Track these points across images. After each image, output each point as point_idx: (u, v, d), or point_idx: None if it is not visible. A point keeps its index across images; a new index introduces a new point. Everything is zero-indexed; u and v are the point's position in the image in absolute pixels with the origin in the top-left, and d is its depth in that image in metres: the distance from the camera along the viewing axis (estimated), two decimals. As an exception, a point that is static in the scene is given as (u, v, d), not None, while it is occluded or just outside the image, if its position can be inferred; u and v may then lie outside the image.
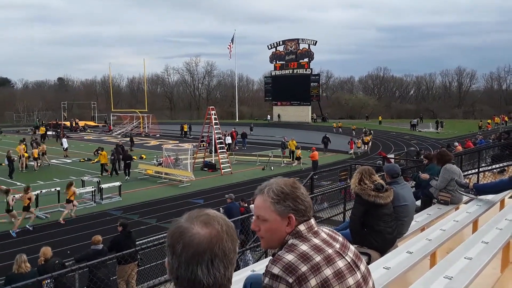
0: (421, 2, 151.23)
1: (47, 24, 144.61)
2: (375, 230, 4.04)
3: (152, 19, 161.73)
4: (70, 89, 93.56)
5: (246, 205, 12.95)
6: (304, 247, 1.53)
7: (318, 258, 1.50)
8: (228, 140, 32.99)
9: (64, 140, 31.59)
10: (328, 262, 1.51)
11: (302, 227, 1.60)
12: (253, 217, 1.74)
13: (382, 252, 4.02)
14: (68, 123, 55.39)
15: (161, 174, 23.01)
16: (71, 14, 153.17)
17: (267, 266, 1.55)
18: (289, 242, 1.57)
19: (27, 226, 14.00)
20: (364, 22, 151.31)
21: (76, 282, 6.86)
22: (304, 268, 1.47)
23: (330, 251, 1.55)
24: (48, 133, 40.88)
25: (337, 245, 1.59)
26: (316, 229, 1.62)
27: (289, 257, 1.51)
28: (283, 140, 30.70)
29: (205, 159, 26.40)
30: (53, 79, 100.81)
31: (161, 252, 9.22)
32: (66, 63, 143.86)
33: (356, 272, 1.57)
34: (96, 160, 28.16)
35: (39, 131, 43.21)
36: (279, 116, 67.01)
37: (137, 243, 9.55)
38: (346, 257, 1.57)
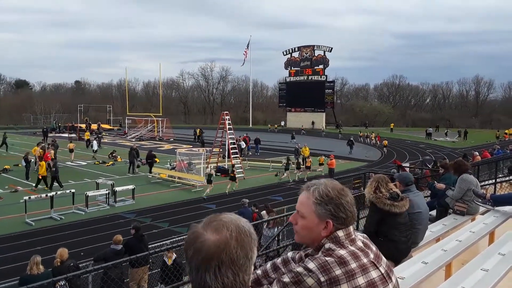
0: (436, 10, 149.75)
1: (64, 28, 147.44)
2: (390, 239, 3.99)
3: (167, 24, 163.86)
4: (86, 92, 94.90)
5: (258, 210, 12.94)
6: (341, 252, 1.53)
7: (353, 265, 1.50)
8: (242, 144, 33.04)
9: (95, 143, 31.46)
10: (362, 271, 1.51)
11: (340, 233, 1.59)
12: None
13: (397, 261, 3.97)
14: (84, 126, 56.11)
15: (174, 178, 23.13)
16: (88, 18, 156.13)
17: (303, 262, 1.56)
18: (326, 246, 1.57)
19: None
20: (378, 29, 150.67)
21: (89, 284, 6.92)
22: (338, 271, 1.47)
23: (365, 260, 1.54)
24: (90, 139, 36.95)
25: (372, 255, 1.58)
26: (353, 236, 1.62)
27: (327, 258, 1.51)
28: (296, 146, 30.60)
29: (218, 164, 26.46)
30: (70, 82, 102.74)
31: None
32: (82, 66, 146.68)
33: (388, 284, 1.56)
34: (110, 162, 28.53)
35: (48, 132, 43.37)
36: (294, 133, 66.90)
37: (149, 246, 9.60)
38: (380, 268, 1.56)
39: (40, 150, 25.41)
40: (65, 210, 16.04)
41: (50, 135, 47.04)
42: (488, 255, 3.72)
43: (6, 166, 24.92)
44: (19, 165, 24.83)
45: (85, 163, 28.29)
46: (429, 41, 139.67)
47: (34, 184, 20.42)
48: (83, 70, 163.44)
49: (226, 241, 1.15)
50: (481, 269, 3.34)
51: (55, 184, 20.04)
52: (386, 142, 35.06)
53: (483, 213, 6.08)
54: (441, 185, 6.55)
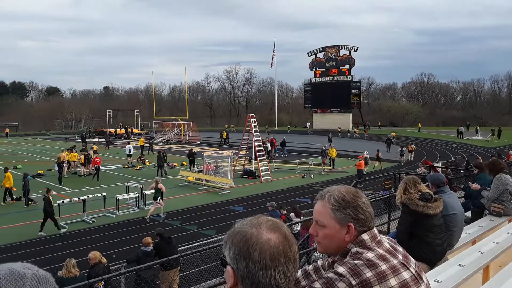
0: (458, 5, 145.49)
1: (88, 35, 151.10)
2: (424, 241, 3.90)
3: (189, 29, 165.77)
4: (115, 97, 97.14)
5: (286, 212, 12.90)
6: (369, 255, 1.52)
7: (384, 267, 1.48)
8: (268, 147, 33.03)
9: (129, 147, 31.76)
10: (393, 272, 1.49)
11: (365, 236, 1.58)
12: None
13: (432, 264, 3.88)
14: (113, 130, 57.45)
15: (202, 181, 23.32)
16: (110, 25, 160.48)
17: (332, 267, 1.56)
18: (353, 250, 1.56)
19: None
20: (400, 26, 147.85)
21: (122, 284, 7.05)
22: (369, 274, 1.45)
23: (394, 261, 1.52)
24: (145, 145, 36.89)
25: (400, 256, 1.57)
26: (379, 238, 1.60)
27: (355, 261, 1.50)
28: (323, 148, 30.38)
29: (245, 166, 26.54)
30: (99, 88, 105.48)
31: (201, 259, 9.33)
32: (110, 72, 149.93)
33: (421, 284, 1.53)
34: (139, 166, 29.03)
35: (86, 138, 44.60)
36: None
37: (178, 249, 9.70)
38: (410, 269, 1.54)
39: (79, 155, 26.41)
40: (97, 213, 16.41)
41: (80, 140, 48.37)
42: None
43: (40, 171, 25.74)
44: (52, 169, 25.59)
45: (115, 167, 28.90)
46: (454, 37, 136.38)
47: (67, 188, 20.98)
48: (110, 75, 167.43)
49: (288, 239, 1.19)
50: (521, 272, 3.22)
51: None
52: (413, 146, 34.43)
53: (520, 214, 5.87)
54: (476, 186, 6.37)
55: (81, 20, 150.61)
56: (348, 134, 56.67)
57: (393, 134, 47.05)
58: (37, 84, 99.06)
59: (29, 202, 18.22)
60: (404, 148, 32.15)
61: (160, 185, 16.32)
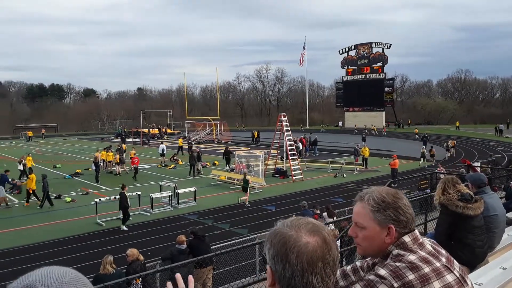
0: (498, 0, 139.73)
1: (121, 38, 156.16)
2: (464, 243, 3.78)
3: (220, 29, 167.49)
4: (148, 98, 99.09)
5: (319, 212, 12.81)
6: (412, 257, 1.49)
7: (427, 269, 1.45)
8: (299, 146, 32.89)
9: (163, 146, 31.95)
10: (437, 275, 1.45)
11: (407, 239, 1.55)
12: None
13: (472, 267, 3.75)
14: (146, 130, 58.63)
15: (234, 180, 23.47)
16: (144, 27, 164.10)
17: (372, 269, 1.55)
18: (394, 252, 1.53)
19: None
20: (436, 22, 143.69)
21: (157, 281, 7.20)
22: (411, 276, 1.42)
23: (438, 264, 1.49)
24: (184, 147, 36.94)
25: (443, 259, 1.53)
26: (421, 240, 1.57)
27: (397, 263, 1.47)
28: (356, 147, 29.97)
29: (277, 165, 26.53)
30: (133, 89, 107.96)
31: (234, 257, 9.41)
32: (143, 73, 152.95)
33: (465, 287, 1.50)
34: (172, 165, 29.54)
35: (125, 138, 45.76)
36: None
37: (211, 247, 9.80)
38: (454, 272, 1.50)
39: (114, 155, 27.21)
40: (132, 211, 16.77)
41: (115, 140, 49.69)
42: None
43: (78, 170, 26.61)
44: (89, 169, 26.40)
45: (148, 166, 29.51)
46: (492, 33, 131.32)
47: (104, 187, 21.59)
48: (143, 77, 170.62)
49: (327, 243, 1.17)
50: None
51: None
52: (454, 142, 34.01)
53: None
54: (518, 186, 6.13)
55: (115, 23, 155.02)
56: (365, 131, 55.82)
57: (416, 130, 49.68)
58: (74, 86, 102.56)
59: (42, 201, 18.27)
60: (449, 142, 33.49)
61: (248, 177, 18.64)
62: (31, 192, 18.76)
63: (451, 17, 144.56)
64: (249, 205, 18.23)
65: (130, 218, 15.55)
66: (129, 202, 15.24)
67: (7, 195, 19.48)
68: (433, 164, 27.81)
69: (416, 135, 47.41)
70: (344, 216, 11.32)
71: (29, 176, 19.13)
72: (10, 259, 12.08)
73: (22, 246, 13.25)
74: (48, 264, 0.95)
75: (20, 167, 24.19)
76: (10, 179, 20.17)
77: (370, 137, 45.90)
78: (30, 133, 58.50)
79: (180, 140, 40.02)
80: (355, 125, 59.94)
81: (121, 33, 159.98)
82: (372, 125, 57.10)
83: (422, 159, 29.18)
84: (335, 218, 11.95)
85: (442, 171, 14.97)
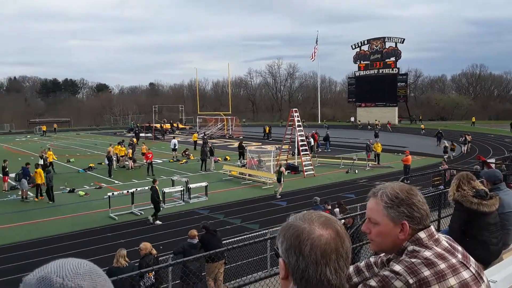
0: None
1: (132, 34, 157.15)
2: (478, 240, 3.73)
3: (232, 24, 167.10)
4: (160, 93, 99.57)
5: (330, 207, 12.77)
6: (427, 253, 1.48)
7: (442, 266, 1.44)
8: (311, 142, 32.80)
9: (175, 141, 31.97)
10: (453, 271, 1.44)
11: (422, 235, 1.53)
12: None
13: (486, 264, 3.71)
14: (158, 125, 58.94)
15: (245, 175, 23.51)
16: (155, 23, 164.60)
17: (387, 265, 1.55)
18: (409, 248, 1.52)
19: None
20: (451, 16, 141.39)
21: (169, 274, 7.26)
22: (427, 273, 1.42)
23: (454, 260, 1.48)
24: (198, 142, 36.89)
25: (459, 255, 1.52)
26: (436, 236, 1.56)
27: (412, 259, 1.46)
28: (368, 143, 29.77)
29: (288, 161, 26.49)
30: (145, 84, 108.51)
31: (246, 252, 9.44)
32: (155, 69, 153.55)
33: (481, 284, 1.48)
34: (184, 160, 29.69)
35: (140, 133, 45.90)
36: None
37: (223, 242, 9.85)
38: (470, 268, 1.49)
39: (126, 149, 27.51)
40: (144, 205, 16.91)
41: (128, 135, 50.05)
42: None
43: (91, 164, 26.90)
44: (102, 163, 26.67)
45: (161, 161, 29.70)
46: (507, 27, 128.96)
47: (117, 181, 21.78)
48: (155, 72, 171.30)
49: (340, 235, 1.17)
50: None
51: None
52: (470, 137, 33.89)
53: None
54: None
55: (127, 19, 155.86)
56: (369, 127, 55.35)
57: (422, 126, 50.56)
58: (87, 81, 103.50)
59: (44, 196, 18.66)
60: (466, 136, 33.69)
61: (282, 169, 19.64)
62: (44, 186, 18.84)
63: (466, 10, 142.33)
64: (280, 196, 19.02)
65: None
66: (160, 197, 15.54)
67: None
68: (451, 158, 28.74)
69: (423, 131, 48.06)
70: (355, 213, 11.27)
71: (35, 170, 19.18)
72: (25, 251, 12.30)
73: (37, 239, 13.48)
74: (62, 257, 0.96)
75: (41, 162, 24.44)
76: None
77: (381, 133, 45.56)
78: (44, 128, 59.27)
79: (195, 135, 40.04)
80: (359, 121, 59.57)
81: (133, 29, 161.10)
82: (376, 120, 56.77)
83: (446, 154, 29.44)
84: (345, 214, 11.91)
85: (446, 168, 14.84)
